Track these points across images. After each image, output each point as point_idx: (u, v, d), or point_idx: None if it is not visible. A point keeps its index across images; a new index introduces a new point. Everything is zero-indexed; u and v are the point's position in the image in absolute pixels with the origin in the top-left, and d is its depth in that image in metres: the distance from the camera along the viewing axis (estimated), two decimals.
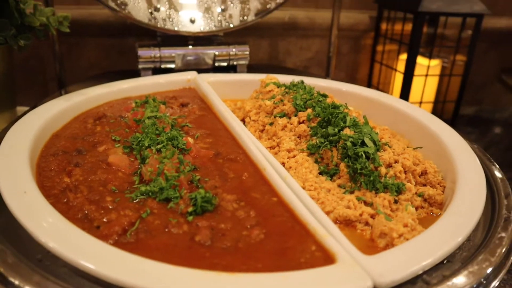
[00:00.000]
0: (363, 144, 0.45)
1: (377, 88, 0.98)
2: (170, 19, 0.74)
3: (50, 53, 0.81)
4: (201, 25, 0.75)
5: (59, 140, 0.50)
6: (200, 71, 0.75)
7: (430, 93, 0.93)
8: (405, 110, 0.58)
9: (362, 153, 0.44)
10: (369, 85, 1.00)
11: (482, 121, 1.06)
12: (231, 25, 0.76)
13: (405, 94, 0.87)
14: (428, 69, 0.87)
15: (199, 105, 0.62)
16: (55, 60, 0.81)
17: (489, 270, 0.30)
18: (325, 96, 0.56)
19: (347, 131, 0.46)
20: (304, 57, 0.98)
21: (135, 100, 0.60)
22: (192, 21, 0.75)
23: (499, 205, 0.38)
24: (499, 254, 0.31)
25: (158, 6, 0.73)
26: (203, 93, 0.64)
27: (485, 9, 0.84)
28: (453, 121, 0.93)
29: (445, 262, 0.31)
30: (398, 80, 0.89)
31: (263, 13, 0.77)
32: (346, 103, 0.54)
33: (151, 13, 0.73)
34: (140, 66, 0.74)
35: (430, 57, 0.87)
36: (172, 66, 0.76)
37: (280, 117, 0.54)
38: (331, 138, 0.47)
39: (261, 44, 0.94)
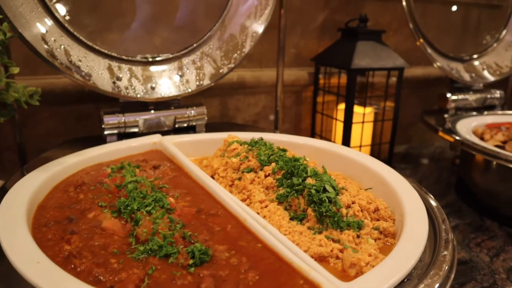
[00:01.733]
0: (325, 190, 0.54)
1: (320, 136, 1.10)
2: (132, 87, 0.80)
3: (6, 122, 0.84)
4: (161, 91, 0.82)
5: (46, 211, 0.54)
6: (162, 133, 0.82)
7: (367, 137, 1.06)
8: (352, 156, 0.69)
9: (325, 198, 0.52)
10: (312, 133, 1.11)
11: (413, 157, 1.21)
12: (189, 90, 0.84)
13: (346, 140, 0.99)
14: (364, 116, 1.00)
15: (170, 166, 0.69)
16: (14, 129, 0.84)
17: (439, 283, 0.39)
18: (284, 150, 0.65)
19: (310, 180, 0.55)
20: (253, 112, 1.08)
21: (111, 166, 0.65)
22: (153, 88, 0.82)
23: (439, 229, 0.48)
24: (445, 269, 0.40)
25: (120, 75, 0.80)
26: (171, 154, 0.71)
27: (404, 63, 1.00)
28: (389, 159, 1.07)
29: (405, 280, 0.39)
30: (338, 128, 1.01)
31: (217, 78, 0.86)
32: (304, 156, 0.64)
33: (113, 82, 0.79)
34: (106, 132, 0.79)
35: (364, 105, 1.00)
36: (136, 130, 0.81)
37: (248, 172, 0.62)
38: (296, 187, 0.55)
39: (212, 102, 1.03)
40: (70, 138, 0.84)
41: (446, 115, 1.09)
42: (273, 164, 0.61)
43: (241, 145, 0.68)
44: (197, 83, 0.85)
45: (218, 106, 1.04)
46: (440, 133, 0.93)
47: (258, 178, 0.60)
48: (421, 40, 1.02)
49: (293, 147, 0.72)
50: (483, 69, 1.17)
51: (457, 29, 1.22)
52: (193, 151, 0.77)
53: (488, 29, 1.24)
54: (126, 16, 0.83)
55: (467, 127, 0.98)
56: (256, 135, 0.78)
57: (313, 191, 0.53)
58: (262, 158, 0.63)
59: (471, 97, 1.13)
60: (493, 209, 0.88)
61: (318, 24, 1.09)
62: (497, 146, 0.89)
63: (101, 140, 0.78)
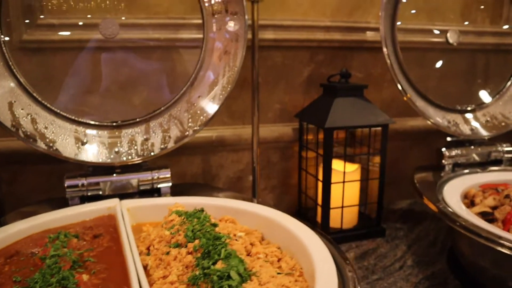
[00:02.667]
0: (228, 277, 0.51)
1: (305, 195, 1.06)
2: (97, 152, 0.83)
3: None
4: (125, 155, 0.84)
5: None
6: (126, 195, 0.83)
7: (353, 196, 1.01)
8: (293, 230, 0.65)
9: (226, 286, 0.50)
10: (299, 191, 1.08)
11: (413, 214, 1.13)
12: (152, 153, 0.85)
13: (325, 201, 0.95)
14: (344, 174, 0.96)
15: (111, 235, 0.69)
16: None
17: None
18: (215, 225, 0.63)
19: (219, 265, 0.53)
20: (237, 169, 1.07)
21: (49, 235, 0.67)
22: (117, 152, 0.84)
23: None
24: None
25: (85, 140, 0.83)
26: (117, 222, 0.72)
27: (388, 119, 0.96)
28: (378, 220, 1.00)
29: None
30: (319, 187, 0.97)
31: (182, 141, 0.87)
32: (235, 234, 0.62)
33: (78, 148, 0.82)
34: (68, 195, 0.81)
35: (344, 163, 0.96)
36: (100, 193, 0.83)
37: (174, 247, 0.61)
38: (205, 271, 0.53)
39: (194, 160, 1.04)
40: (56, 195, 0.87)
41: (442, 173, 1.01)
42: (196, 241, 0.60)
43: (180, 216, 0.67)
44: (162, 146, 0.86)
45: (200, 164, 1.05)
46: (425, 200, 0.86)
47: (180, 255, 0.59)
48: (409, 95, 0.97)
49: (241, 215, 0.71)
50: (486, 121, 1.08)
51: (458, 76, 1.15)
52: (151, 215, 0.77)
53: (493, 76, 1.16)
54: (94, 80, 0.86)
55: (457, 189, 0.90)
56: (210, 202, 0.78)
57: (215, 278, 0.51)
58: (188, 234, 0.61)
59: (473, 152, 1.05)
60: (480, 286, 0.79)
61: (304, 79, 1.07)
62: (483, 213, 0.81)
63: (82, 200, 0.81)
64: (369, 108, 0.96)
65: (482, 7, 1.17)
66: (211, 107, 0.89)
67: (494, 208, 0.84)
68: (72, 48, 0.86)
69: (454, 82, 1.14)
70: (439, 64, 1.13)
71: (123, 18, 0.89)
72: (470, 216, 0.76)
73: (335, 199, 0.97)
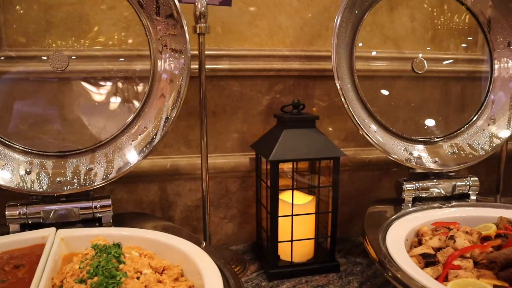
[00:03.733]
0: None
1: (261, 226, 1.05)
2: (39, 181, 0.86)
3: None
4: (66, 186, 0.86)
5: None
6: (68, 223, 0.85)
7: (308, 229, 0.99)
8: (201, 270, 0.65)
9: None
10: (256, 222, 1.07)
11: None
12: (94, 183, 0.87)
13: (273, 234, 0.94)
14: (293, 207, 0.94)
15: (31, 266, 0.71)
16: None
17: None
18: (120, 262, 0.64)
19: None
20: (194, 197, 1.08)
21: None
22: (60, 182, 0.87)
23: None
24: None
25: (29, 170, 0.86)
26: (43, 252, 0.73)
27: (339, 151, 0.94)
28: (331, 255, 0.98)
29: None
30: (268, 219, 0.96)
31: (123, 171, 0.88)
32: (141, 271, 0.63)
33: (21, 177, 0.85)
34: (8, 223, 0.84)
35: (292, 193, 0.95)
36: (41, 221, 0.86)
37: (78, 282, 0.62)
38: None
39: (150, 188, 1.05)
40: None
41: (401, 207, 0.98)
42: (96, 278, 0.60)
43: (95, 249, 0.68)
44: (104, 176, 0.88)
45: (157, 191, 1.06)
46: (365, 240, 0.84)
47: None
48: (364, 130, 0.95)
49: (164, 249, 0.73)
50: (453, 153, 1.05)
51: (426, 106, 1.12)
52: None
53: (464, 105, 1.12)
54: (42, 110, 0.90)
55: (407, 227, 0.87)
56: (136, 234, 0.79)
57: None
58: (90, 270, 0.62)
59: (436, 185, 1.01)
60: None
61: (263, 108, 1.08)
62: (424, 255, 0.78)
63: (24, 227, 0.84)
64: (320, 140, 0.95)
65: (455, 35, 1.15)
66: (155, 138, 0.90)
67: (438, 249, 0.80)
68: (23, 79, 0.90)
69: (421, 112, 1.11)
70: (405, 93, 1.11)
71: (74, 49, 0.92)
72: (404, 261, 0.73)
73: (286, 232, 0.95)
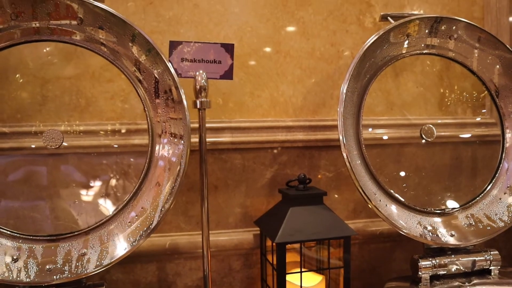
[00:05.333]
0: None
1: None
2: (26, 269, 0.79)
3: None
4: (56, 273, 0.80)
5: None
6: None
7: None
8: None
9: None
10: None
11: None
12: (86, 271, 0.81)
13: None
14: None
15: None
16: None
17: None
18: None
19: None
20: (195, 277, 1.01)
21: None
22: (49, 270, 0.80)
23: None
24: None
25: (16, 256, 0.80)
26: None
27: (350, 230, 0.88)
28: None
29: None
30: None
31: (120, 256, 0.82)
32: None
33: (7, 265, 0.79)
34: None
35: (301, 275, 0.88)
36: None
37: None
38: None
39: (148, 268, 0.98)
40: None
41: (419, 286, 0.91)
42: None
43: None
44: (97, 262, 0.82)
45: (155, 272, 0.99)
46: None
47: None
48: (373, 203, 0.90)
49: None
50: (469, 225, 0.98)
51: (437, 174, 1.07)
52: None
53: (478, 172, 1.08)
54: (37, 188, 0.85)
55: None
56: None
57: None
58: None
59: (454, 261, 0.95)
60: None
61: (267, 181, 1.03)
62: None
63: None
64: (328, 217, 0.90)
65: (462, 99, 1.12)
66: (154, 220, 0.85)
67: None
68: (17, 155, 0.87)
69: (432, 180, 1.06)
70: (414, 160, 1.07)
71: (70, 124, 0.89)
72: None
73: None
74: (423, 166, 1.08)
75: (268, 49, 1.03)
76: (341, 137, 0.89)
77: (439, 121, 1.10)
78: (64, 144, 0.86)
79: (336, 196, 1.08)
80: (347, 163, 0.89)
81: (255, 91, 1.02)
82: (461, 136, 1.12)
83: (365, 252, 1.11)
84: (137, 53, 0.86)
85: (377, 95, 1.07)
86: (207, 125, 0.97)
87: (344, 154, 0.89)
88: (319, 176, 1.07)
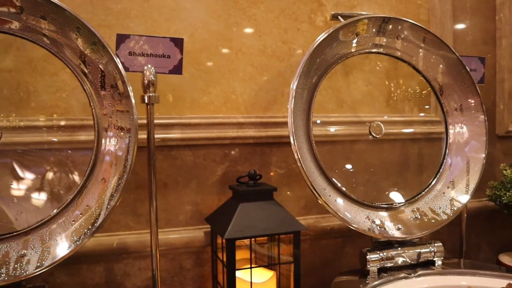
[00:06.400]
0: None
1: None
2: None
3: None
4: None
5: None
6: None
7: None
8: None
9: None
10: None
11: None
12: (25, 273, 0.77)
13: None
14: (252, 286, 0.87)
15: None
16: None
17: None
18: None
19: None
20: (145, 277, 0.99)
21: None
22: None
23: None
24: None
25: None
26: None
27: (300, 225, 0.89)
28: None
29: None
30: None
31: (60, 258, 0.78)
32: None
33: None
34: None
35: (251, 271, 0.88)
36: None
37: None
38: None
39: (95, 269, 0.95)
40: None
41: (367, 279, 0.93)
42: None
43: None
44: (38, 263, 0.78)
45: (103, 272, 0.96)
46: None
47: None
48: (322, 199, 0.90)
49: None
50: (415, 218, 1.01)
51: (385, 170, 1.10)
52: None
53: (423, 167, 1.11)
54: None
55: None
56: None
57: None
58: None
59: (401, 254, 0.97)
60: None
61: (218, 178, 1.02)
62: None
63: None
64: (278, 213, 0.90)
65: (409, 98, 1.15)
66: (99, 218, 0.82)
67: None
68: None
69: (381, 176, 1.09)
70: (364, 157, 1.09)
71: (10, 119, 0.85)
72: None
73: None
74: (372, 162, 1.10)
75: (219, 46, 1.02)
76: (291, 134, 0.90)
77: (387, 119, 1.13)
78: (4, 140, 0.82)
79: (288, 192, 1.08)
80: (297, 160, 0.90)
81: (207, 87, 1.01)
82: (408, 133, 1.16)
83: (316, 248, 1.12)
84: (82, 46, 0.83)
85: (327, 93, 1.08)
86: (156, 121, 0.96)
87: (294, 151, 0.90)
88: (271, 173, 1.07)
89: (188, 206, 1.01)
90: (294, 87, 0.92)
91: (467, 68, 1.05)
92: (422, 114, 1.16)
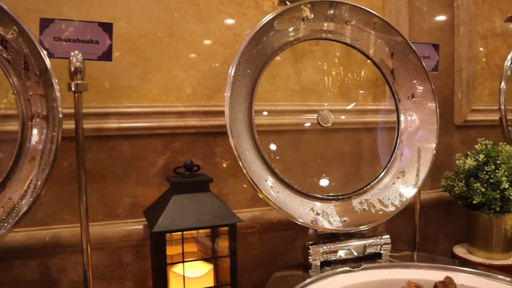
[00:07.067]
0: None
1: None
2: None
3: None
4: None
5: None
6: None
7: None
8: None
9: None
10: None
11: None
12: None
13: None
14: (185, 281, 0.84)
15: None
16: None
17: None
18: None
19: None
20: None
21: None
22: None
23: None
24: None
25: None
26: None
27: (236, 218, 0.86)
28: None
29: None
30: None
31: None
32: None
33: None
34: None
35: (183, 266, 0.85)
36: None
37: None
38: None
39: (28, 264, 0.92)
40: None
41: (310, 273, 0.90)
42: None
43: None
44: None
45: (37, 268, 0.93)
46: None
47: None
48: (264, 194, 0.87)
49: None
50: (363, 210, 0.99)
51: (334, 160, 1.06)
52: None
53: (374, 158, 1.08)
54: None
55: None
56: None
57: None
58: None
59: (345, 247, 0.94)
60: None
61: (159, 169, 0.99)
62: None
63: None
64: (214, 205, 0.87)
65: (362, 86, 1.12)
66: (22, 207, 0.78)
67: None
68: None
69: (332, 167, 1.05)
70: (315, 147, 1.06)
71: None
72: None
73: None
74: (323, 152, 1.07)
75: (159, 32, 0.98)
76: (227, 123, 0.87)
77: (339, 107, 1.09)
78: None
79: (234, 184, 1.05)
80: (234, 149, 0.86)
81: (145, 75, 0.97)
82: (361, 122, 1.13)
83: (265, 240, 1.09)
84: (3, 31, 0.79)
85: (275, 81, 1.05)
86: (91, 110, 0.92)
87: (231, 140, 0.86)
88: (215, 164, 1.03)
89: (127, 199, 0.97)
90: (233, 73, 0.88)
91: (418, 54, 1.02)
92: (375, 103, 1.13)
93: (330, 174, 1.05)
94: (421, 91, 1.04)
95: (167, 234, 0.82)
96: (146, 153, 0.98)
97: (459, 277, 0.85)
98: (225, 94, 0.87)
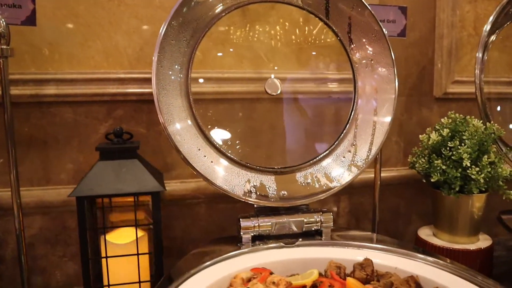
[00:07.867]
0: None
1: None
2: None
3: None
4: None
5: None
6: None
7: (141, 271, 0.88)
8: None
9: None
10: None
11: None
12: None
13: (86, 279, 0.84)
14: (107, 247, 0.84)
15: None
16: None
17: None
18: None
19: None
20: (27, 234, 0.98)
21: None
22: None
23: None
24: None
25: None
26: None
27: (157, 186, 0.84)
28: None
29: None
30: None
31: None
32: None
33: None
34: None
35: (104, 233, 0.85)
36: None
37: None
38: None
39: None
40: None
41: (239, 246, 0.87)
42: None
43: None
44: None
45: None
46: None
47: None
48: (191, 163, 0.84)
49: None
50: (307, 183, 0.94)
51: (285, 132, 1.01)
52: None
53: (326, 129, 1.02)
54: None
55: (222, 273, 0.76)
56: None
57: None
58: None
59: (281, 221, 0.90)
60: None
61: (101, 136, 0.98)
62: None
63: None
64: (138, 173, 0.85)
65: (322, 51, 1.04)
66: None
67: None
68: None
69: (284, 138, 1.00)
70: (269, 117, 1.01)
71: None
72: None
73: (114, 275, 0.85)
74: (277, 123, 1.02)
75: None
76: (154, 90, 0.84)
77: (296, 76, 1.03)
78: None
79: None
80: (160, 117, 0.84)
81: (85, 41, 0.96)
82: (320, 91, 1.06)
83: (213, 212, 1.07)
84: None
85: (224, 47, 1.00)
86: (29, 76, 0.93)
87: (157, 109, 0.84)
88: (160, 131, 1.01)
89: (69, 165, 0.98)
90: (162, 34, 0.84)
91: (377, 18, 0.93)
92: (332, 71, 1.05)
93: (279, 145, 1.00)
94: (381, 59, 0.96)
95: (98, 200, 0.83)
96: (88, 120, 0.98)
97: (391, 259, 0.79)
98: (152, 57, 0.84)
